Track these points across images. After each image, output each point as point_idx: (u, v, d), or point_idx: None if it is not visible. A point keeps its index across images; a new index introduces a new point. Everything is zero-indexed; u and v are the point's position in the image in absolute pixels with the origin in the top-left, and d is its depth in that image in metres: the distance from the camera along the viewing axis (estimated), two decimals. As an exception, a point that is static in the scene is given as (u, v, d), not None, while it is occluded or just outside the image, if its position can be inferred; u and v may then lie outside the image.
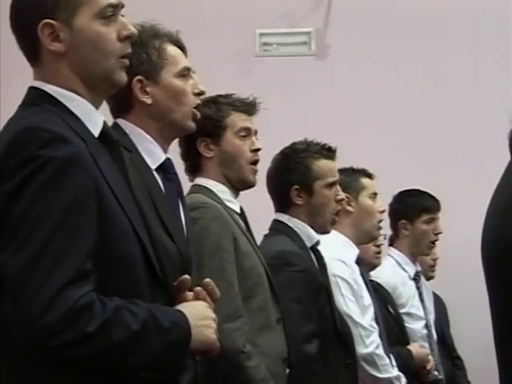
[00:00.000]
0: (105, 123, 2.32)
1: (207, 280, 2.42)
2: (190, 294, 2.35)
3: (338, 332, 4.04)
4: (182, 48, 3.13)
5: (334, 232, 4.42)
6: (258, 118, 5.53)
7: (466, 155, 5.89)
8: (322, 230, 4.14)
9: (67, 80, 2.28)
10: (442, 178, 5.72)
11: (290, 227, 4.05)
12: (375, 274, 5.01)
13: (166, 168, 3.02)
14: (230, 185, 3.63)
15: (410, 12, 6.15)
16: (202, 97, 3.18)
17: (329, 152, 4.20)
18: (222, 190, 3.60)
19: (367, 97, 6.12)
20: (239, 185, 3.66)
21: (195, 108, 3.11)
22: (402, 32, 6.12)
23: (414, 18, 6.15)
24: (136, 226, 2.25)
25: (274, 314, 3.59)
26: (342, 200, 4.21)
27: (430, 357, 4.90)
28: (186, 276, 2.39)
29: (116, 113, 3.07)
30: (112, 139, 2.34)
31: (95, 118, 2.30)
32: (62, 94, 2.27)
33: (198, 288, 2.38)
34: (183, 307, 2.28)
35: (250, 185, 3.67)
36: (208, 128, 3.57)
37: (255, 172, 3.68)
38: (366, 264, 4.99)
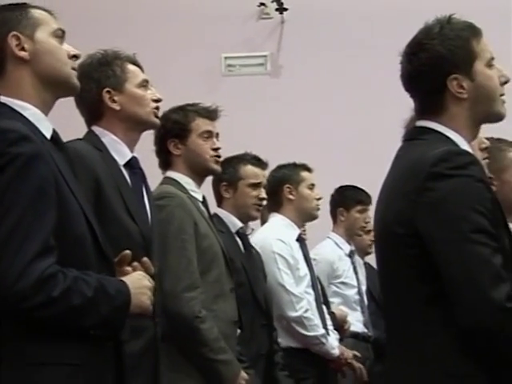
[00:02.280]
0: (54, 129, 2.35)
1: (144, 259, 2.43)
2: (129, 268, 2.38)
3: (255, 298, 4.07)
4: (139, 66, 3.23)
5: (279, 216, 4.62)
6: (224, 126, 5.74)
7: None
8: (247, 218, 4.22)
9: (26, 90, 2.33)
10: (374, 174, 5.84)
11: (217, 214, 4.11)
12: (317, 252, 5.11)
13: (132, 164, 3.10)
14: (195, 177, 3.66)
15: (346, 40, 6.26)
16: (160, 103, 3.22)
17: (257, 161, 4.29)
18: (187, 182, 3.64)
19: (313, 108, 6.20)
20: (205, 173, 3.71)
21: (155, 110, 3.17)
22: (342, 55, 6.23)
23: (349, 46, 6.25)
24: (86, 212, 2.28)
25: (227, 285, 3.63)
26: (263, 199, 4.26)
27: (348, 318, 4.95)
28: (127, 252, 2.40)
29: (90, 122, 3.16)
30: (60, 142, 2.38)
31: (46, 124, 2.33)
32: (18, 105, 2.30)
33: (135, 263, 2.40)
34: (125, 278, 2.31)
35: (213, 172, 3.75)
36: (176, 131, 3.65)
37: (218, 162, 3.71)
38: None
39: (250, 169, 4.25)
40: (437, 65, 2.36)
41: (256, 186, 4.23)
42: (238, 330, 3.73)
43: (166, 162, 3.72)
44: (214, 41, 6.31)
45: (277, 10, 6.30)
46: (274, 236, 4.52)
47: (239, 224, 4.18)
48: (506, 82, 2.44)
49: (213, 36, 6.31)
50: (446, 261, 2.22)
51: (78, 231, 2.25)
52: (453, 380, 2.23)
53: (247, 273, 4.09)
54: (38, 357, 2.14)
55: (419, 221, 2.25)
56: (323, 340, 4.50)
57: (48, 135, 2.32)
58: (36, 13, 2.42)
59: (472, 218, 2.22)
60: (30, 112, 2.32)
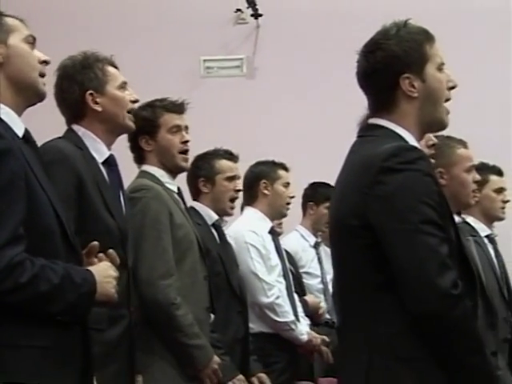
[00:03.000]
0: (26, 129, 2.35)
1: (110, 250, 2.43)
2: (95, 259, 2.39)
3: (231, 286, 4.08)
4: (116, 68, 3.22)
5: (253, 209, 4.63)
6: (202, 124, 5.76)
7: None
8: (223, 213, 4.21)
9: (1, 91, 2.34)
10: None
11: (193, 207, 4.10)
12: (283, 243, 5.02)
13: (110, 162, 3.10)
14: (168, 170, 3.64)
15: (318, 43, 6.25)
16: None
17: (230, 155, 4.27)
18: (161, 175, 3.62)
19: (287, 108, 6.19)
20: (174, 170, 3.66)
21: (129, 112, 3.16)
22: (313, 58, 6.22)
23: (321, 49, 6.24)
24: (55, 205, 2.29)
25: (201, 273, 3.62)
26: (239, 191, 4.26)
27: (322, 304, 4.99)
28: (95, 243, 2.40)
29: (71, 121, 3.14)
30: (32, 140, 2.38)
31: (18, 122, 2.34)
32: None
33: (101, 254, 2.41)
34: (92, 268, 2.33)
35: (182, 170, 3.72)
36: (146, 127, 3.60)
37: (186, 160, 3.68)
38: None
39: (225, 163, 4.24)
40: (391, 63, 2.38)
41: (232, 178, 4.23)
42: (212, 316, 3.72)
43: (140, 157, 3.69)
44: (194, 44, 6.31)
45: (252, 15, 6.30)
46: (247, 228, 4.53)
47: (215, 217, 4.18)
48: (453, 87, 2.45)
49: (192, 40, 6.30)
50: (396, 250, 2.23)
51: (46, 223, 2.26)
52: (402, 363, 2.23)
53: (223, 262, 4.09)
54: (11, 339, 2.15)
55: (371, 213, 2.26)
56: (293, 326, 4.50)
57: (20, 134, 2.32)
58: (9, 20, 2.43)
59: (420, 210, 2.23)
60: (4, 111, 2.32)
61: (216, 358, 3.56)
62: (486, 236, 4.30)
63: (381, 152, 2.28)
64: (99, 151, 3.09)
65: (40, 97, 2.45)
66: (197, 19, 6.32)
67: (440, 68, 2.42)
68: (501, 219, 4.49)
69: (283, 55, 6.32)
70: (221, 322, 3.90)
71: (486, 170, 4.32)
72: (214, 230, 4.17)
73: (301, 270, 5.15)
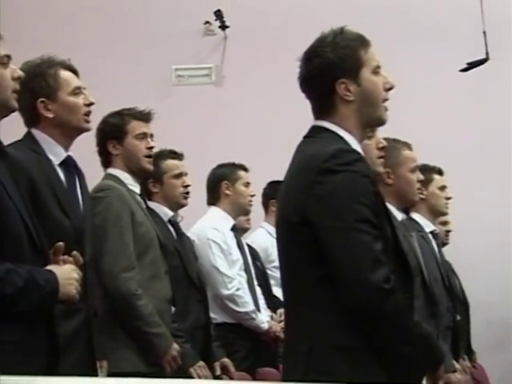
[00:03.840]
0: None
1: (74, 252, 2.44)
2: (60, 259, 2.40)
3: (189, 277, 4.05)
4: (74, 71, 3.12)
5: (216, 209, 4.62)
6: (174, 128, 5.75)
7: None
8: (177, 207, 4.18)
9: None
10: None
11: (148, 206, 4.01)
12: (253, 240, 5.09)
13: (67, 163, 3.05)
14: (132, 173, 3.65)
15: (281, 53, 5.92)
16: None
17: (174, 154, 4.21)
18: (126, 177, 3.63)
19: (252, 113, 6.20)
20: (139, 172, 3.68)
21: (86, 115, 3.10)
22: (276, 66, 6.07)
23: (284, 58, 6.06)
24: (22, 213, 2.31)
25: (162, 267, 3.63)
26: (188, 186, 4.20)
27: None
28: (60, 243, 2.41)
29: (29, 125, 3.09)
30: (3, 151, 2.40)
31: None
32: None
33: (66, 256, 2.42)
34: (55, 268, 2.35)
35: (146, 172, 3.72)
36: (114, 133, 3.61)
37: (151, 162, 3.68)
38: None
39: (170, 162, 4.19)
40: (327, 70, 2.37)
41: (179, 175, 4.19)
42: (173, 308, 3.72)
43: (107, 161, 3.69)
44: (166, 54, 6.32)
45: (220, 27, 6.33)
46: (209, 225, 4.53)
47: (170, 213, 4.16)
48: (390, 89, 2.44)
49: (165, 50, 6.32)
50: (332, 246, 2.23)
51: (12, 230, 2.28)
52: (338, 352, 2.24)
53: (181, 255, 4.08)
54: None
55: (310, 211, 2.26)
56: (253, 315, 4.49)
57: None
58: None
59: (356, 209, 2.23)
60: None
61: (175, 346, 3.55)
62: (431, 232, 4.34)
63: (321, 154, 2.28)
64: (56, 153, 3.04)
65: (12, 110, 2.49)
66: (169, 31, 6.34)
67: (376, 71, 2.41)
68: (445, 214, 4.55)
69: (249, 64, 6.33)
70: (181, 311, 3.89)
71: (428, 170, 4.36)
72: (170, 226, 4.15)
73: (271, 265, 5.08)
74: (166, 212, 4.15)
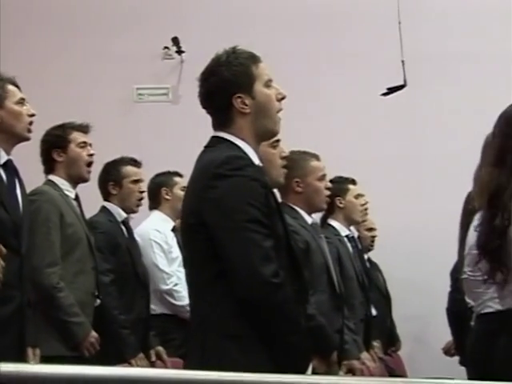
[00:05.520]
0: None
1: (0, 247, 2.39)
2: None
3: (137, 274, 4.00)
4: (17, 87, 3.15)
5: (158, 212, 4.55)
6: (135, 141, 5.65)
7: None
8: (130, 211, 4.14)
9: None
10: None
11: (105, 207, 4.09)
12: None
13: (8, 165, 3.05)
14: (71, 180, 3.62)
15: None
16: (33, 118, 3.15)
17: (134, 161, 4.19)
18: (62, 183, 3.60)
19: (205, 128, 5.98)
20: (77, 180, 3.65)
21: (29, 124, 3.12)
22: None
23: None
24: None
25: (89, 264, 3.58)
26: (143, 192, 4.20)
27: None
28: None
29: None
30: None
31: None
32: None
33: None
34: None
35: (84, 180, 3.68)
36: (58, 143, 3.62)
37: (89, 172, 3.67)
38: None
39: (130, 169, 4.17)
40: (224, 86, 2.33)
41: (137, 181, 4.17)
42: (98, 301, 3.67)
43: (49, 168, 3.67)
44: (128, 75, 6.22)
45: (176, 52, 6.26)
46: (151, 227, 4.47)
47: (124, 214, 4.13)
48: (282, 98, 2.38)
49: (127, 71, 6.22)
50: (225, 245, 2.18)
51: None
52: (228, 340, 2.19)
53: (131, 253, 4.05)
54: None
55: (205, 213, 2.21)
56: (188, 308, 4.39)
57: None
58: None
59: (246, 210, 2.17)
60: None
61: (93, 333, 3.50)
62: (346, 236, 4.30)
63: (215, 160, 2.25)
64: None
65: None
66: (131, 54, 6.24)
67: (268, 84, 2.36)
68: (360, 220, 4.52)
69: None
70: (127, 304, 3.88)
71: (344, 181, 4.33)
72: (123, 226, 4.11)
73: None
74: (120, 213, 4.13)
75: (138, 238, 4.32)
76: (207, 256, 2.21)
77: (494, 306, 2.67)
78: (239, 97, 2.31)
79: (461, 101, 5.85)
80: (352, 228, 4.54)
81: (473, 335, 3.37)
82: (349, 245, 4.27)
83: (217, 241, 2.18)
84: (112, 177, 4.12)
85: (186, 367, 2.37)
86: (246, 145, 2.32)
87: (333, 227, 4.22)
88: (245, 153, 2.30)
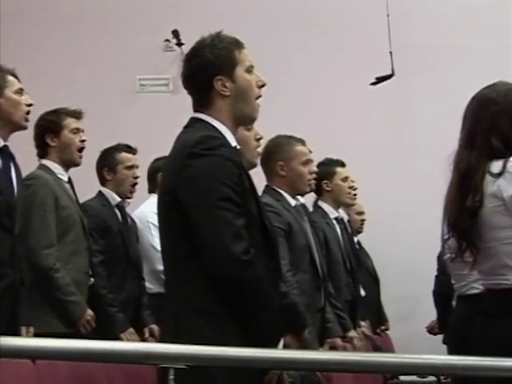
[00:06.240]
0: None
1: None
2: None
3: (128, 256, 3.95)
4: (16, 77, 3.11)
5: (155, 195, 4.45)
6: (136, 130, 5.61)
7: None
8: (124, 196, 4.06)
9: None
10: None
11: (101, 192, 4.04)
12: None
13: (3, 151, 3.02)
14: (63, 164, 3.56)
15: None
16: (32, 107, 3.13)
17: (128, 148, 4.11)
18: (56, 167, 3.54)
19: None
20: (70, 164, 3.58)
21: (27, 114, 3.09)
22: None
23: None
24: None
25: (83, 245, 3.54)
26: (137, 177, 4.11)
27: None
28: None
29: None
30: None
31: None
32: None
33: None
34: None
35: (76, 165, 3.60)
36: (52, 128, 3.54)
37: (81, 157, 3.59)
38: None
39: (124, 155, 4.10)
40: (206, 68, 2.27)
41: (131, 167, 4.10)
42: (92, 279, 3.63)
43: (43, 153, 3.59)
44: (131, 66, 6.21)
45: (177, 44, 6.21)
46: (149, 210, 4.30)
47: (118, 199, 4.06)
48: (262, 86, 2.32)
49: (130, 62, 6.20)
50: (198, 222, 2.13)
51: None
52: (200, 316, 2.13)
53: (123, 236, 3.99)
54: None
55: (180, 191, 2.16)
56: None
57: None
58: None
59: (219, 189, 2.12)
60: None
61: (89, 311, 3.45)
62: (335, 218, 4.21)
63: (190, 140, 2.19)
64: None
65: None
66: (134, 47, 6.22)
67: (249, 70, 2.30)
68: (349, 203, 4.43)
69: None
70: (117, 284, 3.82)
71: (331, 163, 4.23)
72: (117, 210, 4.05)
73: None
74: (114, 197, 4.06)
75: (136, 220, 4.25)
76: (181, 232, 2.15)
77: (479, 287, 2.64)
78: (220, 79, 2.24)
79: (447, 90, 5.78)
80: (341, 210, 4.46)
81: (454, 316, 3.32)
82: (337, 227, 4.18)
83: (190, 218, 2.13)
84: (107, 163, 4.06)
85: (160, 340, 2.30)
86: (223, 126, 2.26)
87: (322, 209, 4.14)
88: (221, 133, 2.24)
